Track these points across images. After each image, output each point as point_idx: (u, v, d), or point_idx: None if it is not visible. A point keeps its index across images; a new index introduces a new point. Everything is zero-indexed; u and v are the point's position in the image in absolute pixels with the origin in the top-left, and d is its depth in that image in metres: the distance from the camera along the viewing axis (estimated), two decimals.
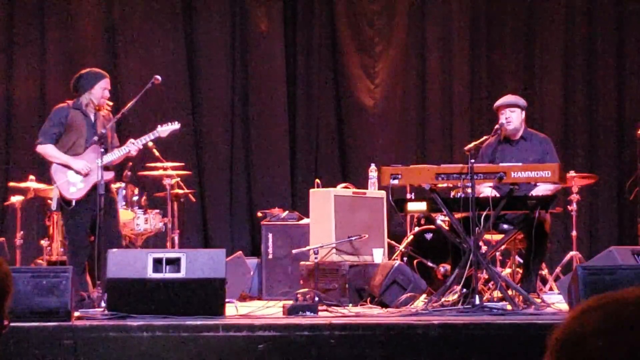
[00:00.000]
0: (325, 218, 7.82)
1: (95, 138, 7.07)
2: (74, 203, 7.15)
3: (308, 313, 6.27)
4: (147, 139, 7.42)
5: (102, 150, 7.04)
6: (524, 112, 7.50)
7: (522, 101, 7.54)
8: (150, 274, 6.18)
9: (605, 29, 10.60)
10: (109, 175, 7.28)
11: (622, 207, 10.31)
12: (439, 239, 7.91)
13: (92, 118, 7.31)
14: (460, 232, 6.67)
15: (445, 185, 7.13)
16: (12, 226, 9.24)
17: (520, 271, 7.55)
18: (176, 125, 7.57)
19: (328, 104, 10.89)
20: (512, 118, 7.40)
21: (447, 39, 10.78)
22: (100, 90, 7.30)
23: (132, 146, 7.31)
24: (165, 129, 7.49)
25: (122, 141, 7.48)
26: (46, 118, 7.55)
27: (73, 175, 7.21)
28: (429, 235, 8.20)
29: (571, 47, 10.65)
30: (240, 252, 8.93)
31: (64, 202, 7.19)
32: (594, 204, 10.42)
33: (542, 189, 7.20)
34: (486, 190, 7.10)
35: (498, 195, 6.98)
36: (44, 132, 7.35)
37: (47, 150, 7.31)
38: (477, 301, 6.34)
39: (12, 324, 5.42)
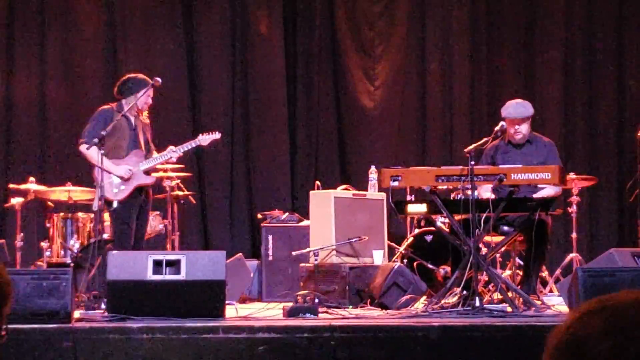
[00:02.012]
0: (325, 220, 7.81)
1: (96, 140, 7.10)
2: (115, 204, 7.22)
3: (308, 315, 6.27)
4: (188, 147, 7.58)
5: (101, 152, 7.06)
6: (530, 119, 7.49)
7: (529, 111, 7.46)
8: (150, 275, 6.18)
9: (605, 30, 10.60)
10: (150, 179, 7.51)
11: (622, 209, 10.31)
12: (439, 240, 7.91)
13: (133, 122, 7.39)
14: (461, 234, 6.66)
15: (445, 187, 7.13)
16: (12, 228, 9.23)
17: (521, 273, 7.56)
18: (217, 135, 7.74)
19: (328, 106, 10.89)
20: (521, 129, 7.39)
21: (447, 40, 10.78)
22: (146, 97, 7.42)
23: (174, 154, 7.52)
24: (206, 138, 7.65)
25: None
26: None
27: (116, 177, 7.29)
28: (429, 237, 8.19)
29: (571, 48, 10.65)
30: (240, 254, 8.92)
31: (105, 202, 7.25)
32: (594, 206, 10.42)
33: (545, 192, 7.20)
34: (485, 194, 7.09)
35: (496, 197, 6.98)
36: (88, 132, 7.40)
37: (92, 153, 7.32)
38: (477, 303, 6.34)
39: (12, 326, 5.42)
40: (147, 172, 7.50)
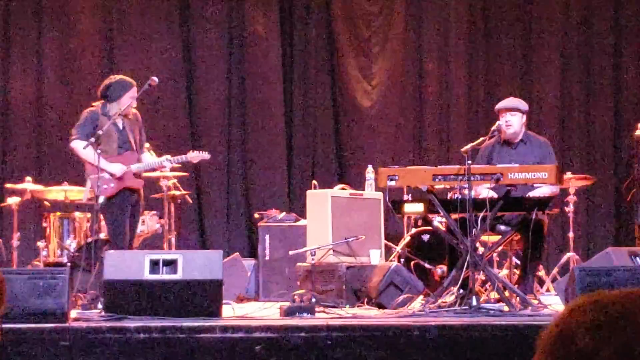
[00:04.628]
0: (322, 219, 7.81)
1: (92, 140, 7.09)
2: (101, 199, 7.20)
3: (305, 314, 6.26)
4: (180, 160, 7.65)
5: (98, 152, 7.05)
6: (524, 116, 7.50)
7: (523, 105, 7.52)
8: (147, 275, 6.17)
9: (602, 31, 10.61)
10: (139, 182, 7.51)
11: (618, 209, 10.32)
12: (436, 240, 7.91)
13: (121, 125, 7.40)
14: (457, 234, 6.66)
15: (442, 186, 7.13)
16: (9, 227, 9.23)
17: (517, 272, 7.56)
18: (207, 156, 7.83)
19: (325, 105, 10.88)
20: (513, 122, 7.40)
21: (444, 40, 10.78)
22: (129, 100, 7.37)
23: (168, 163, 7.61)
24: (196, 156, 7.73)
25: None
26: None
27: (108, 174, 7.27)
28: (426, 237, 8.19)
29: (568, 49, 10.66)
30: (237, 253, 8.92)
31: (95, 197, 7.26)
32: (590, 206, 10.43)
33: (541, 191, 7.20)
34: (484, 192, 7.10)
35: (496, 196, 6.98)
36: (78, 130, 7.34)
37: (86, 151, 7.23)
38: (474, 302, 6.34)
39: (9, 326, 5.40)
40: (137, 175, 7.47)
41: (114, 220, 7.34)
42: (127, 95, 7.37)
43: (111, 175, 7.27)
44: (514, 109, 7.44)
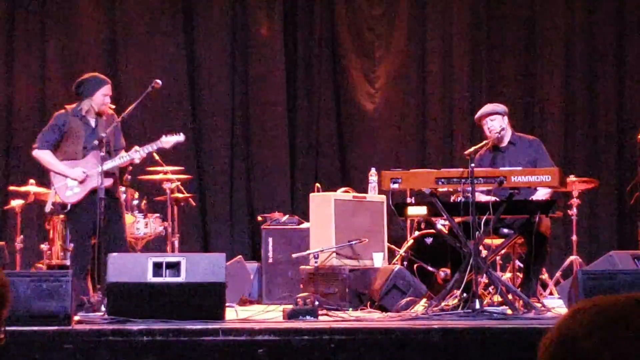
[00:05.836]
0: (326, 222, 7.81)
1: (96, 142, 7.06)
2: (69, 207, 7.16)
3: (308, 317, 6.26)
4: (151, 148, 7.32)
5: (102, 154, 7.01)
6: (505, 118, 7.50)
7: (500, 108, 7.53)
8: (150, 278, 6.18)
9: (605, 34, 10.60)
10: (109, 180, 7.16)
11: (622, 212, 10.31)
12: (439, 243, 7.90)
13: (93, 124, 7.29)
14: (461, 237, 6.66)
15: (445, 189, 7.13)
16: (12, 230, 9.24)
17: (521, 275, 7.55)
18: (181, 137, 7.42)
19: (328, 108, 10.89)
20: (494, 126, 7.41)
21: (447, 43, 10.78)
22: (102, 97, 7.25)
23: (136, 154, 7.23)
24: (169, 140, 7.35)
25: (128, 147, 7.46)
26: (47, 123, 7.51)
27: (71, 179, 7.20)
28: (429, 240, 8.19)
29: (572, 52, 10.65)
30: (240, 256, 8.92)
31: (60, 205, 7.21)
32: (594, 209, 10.42)
33: (540, 194, 7.20)
34: (480, 196, 7.08)
35: (498, 199, 6.97)
36: (41, 138, 7.33)
37: (44, 156, 7.27)
38: (477, 306, 6.34)
39: (12, 328, 5.40)
40: (107, 174, 7.13)
41: (79, 227, 7.19)
42: (100, 92, 7.24)
43: (74, 180, 7.16)
44: (491, 114, 7.44)
